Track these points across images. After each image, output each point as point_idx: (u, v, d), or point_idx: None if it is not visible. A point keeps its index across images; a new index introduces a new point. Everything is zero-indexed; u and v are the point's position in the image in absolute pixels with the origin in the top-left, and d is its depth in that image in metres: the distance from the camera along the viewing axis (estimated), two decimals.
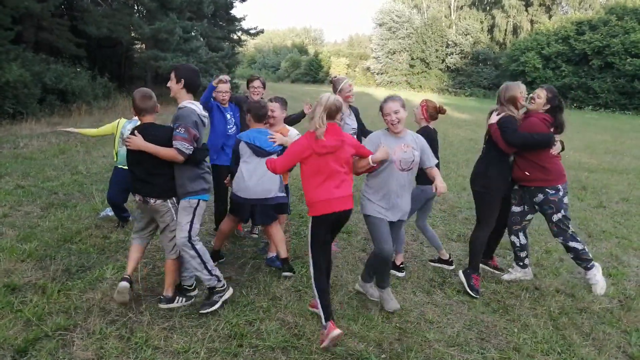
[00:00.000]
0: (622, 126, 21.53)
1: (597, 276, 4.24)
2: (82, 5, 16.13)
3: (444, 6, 54.69)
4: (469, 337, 3.43)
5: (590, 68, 34.77)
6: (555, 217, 4.17)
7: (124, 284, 3.46)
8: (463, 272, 4.24)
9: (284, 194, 4.24)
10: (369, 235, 3.78)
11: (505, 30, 49.75)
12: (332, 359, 3.08)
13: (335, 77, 4.99)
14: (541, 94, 4.16)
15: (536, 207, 4.28)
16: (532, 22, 47.98)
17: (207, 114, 3.63)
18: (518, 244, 4.41)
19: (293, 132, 4.37)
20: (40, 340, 3.07)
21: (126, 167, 4.03)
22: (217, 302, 3.54)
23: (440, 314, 3.75)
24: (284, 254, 4.23)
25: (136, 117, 3.69)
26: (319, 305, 3.25)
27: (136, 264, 3.70)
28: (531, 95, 4.25)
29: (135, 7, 20.10)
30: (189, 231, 3.44)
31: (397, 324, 3.56)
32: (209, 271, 3.51)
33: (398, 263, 4.43)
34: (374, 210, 3.56)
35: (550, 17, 46.62)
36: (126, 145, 3.38)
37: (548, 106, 4.14)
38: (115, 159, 5.17)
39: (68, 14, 17.00)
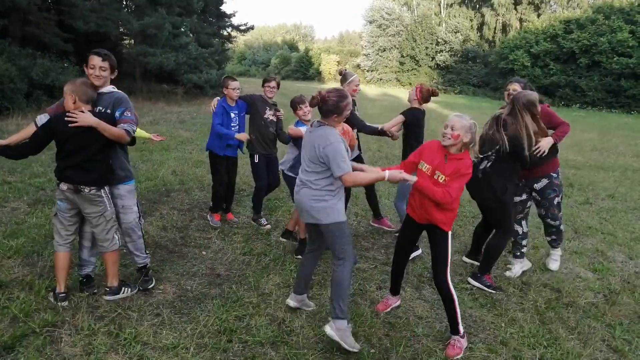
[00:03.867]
0: (609, 124, 21.82)
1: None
2: (70, 0, 15.89)
3: (433, 4, 54.79)
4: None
5: (578, 66, 35.10)
6: (557, 200, 4.34)
7: (65, 303, 3.44)
8: (475, 279, 4.24)
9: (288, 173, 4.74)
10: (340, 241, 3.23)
11: (495, 28, 50.00)
12: (322, 354, 3.10)
13: (345, 70, 5.31)
14: (517, 87, 4.28)
15: (534, 193, 4.39)
16: (521, 20, 48.27)
17: None
18: (521, 232, 4.54)
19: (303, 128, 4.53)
20: (27, 336, 3.05)
21: None
22: (152, 278, 3.84)
23: (429, 309, 3.79)
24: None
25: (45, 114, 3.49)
26: (459, 311, 3.25)
27: (67, 275, 3.57)
28: (506, 91, 4.37)
29: (124, 2, 19.86)
30: (138, 213, 3.65)
31: (386, 319, 3.58)
32: (146, 252, 3.83)
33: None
34: (344, 214, 3.23)
35: (539, 15, 46.94)
36: (72, 124, 3.14)
37: None
38: None
39: (55, 9, 16.75)
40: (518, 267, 4.55)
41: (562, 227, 4.51)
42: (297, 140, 4.58)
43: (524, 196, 4.47)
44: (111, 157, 3.45)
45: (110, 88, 3.49)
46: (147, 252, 3.89)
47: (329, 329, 3.07)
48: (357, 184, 3.20)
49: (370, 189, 5.49)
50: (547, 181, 4.30)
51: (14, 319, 3.22)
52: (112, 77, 3.51)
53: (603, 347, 3.41)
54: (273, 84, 5.30)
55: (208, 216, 5.52)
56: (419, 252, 4.75)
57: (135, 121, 3.43)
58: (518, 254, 4.57)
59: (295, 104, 4.71)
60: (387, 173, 3.09)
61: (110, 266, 3.60)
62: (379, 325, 3.49)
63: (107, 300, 3.56)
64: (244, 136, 5.19)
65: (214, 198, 5.50)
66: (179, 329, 3.26)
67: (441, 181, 3.14)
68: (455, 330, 3.24)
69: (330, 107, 3.11)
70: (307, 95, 4.36)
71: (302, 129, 4.40)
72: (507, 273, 4.54)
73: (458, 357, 3.15)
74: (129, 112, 3.38)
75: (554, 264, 4.62)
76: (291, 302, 3.59)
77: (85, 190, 3.28)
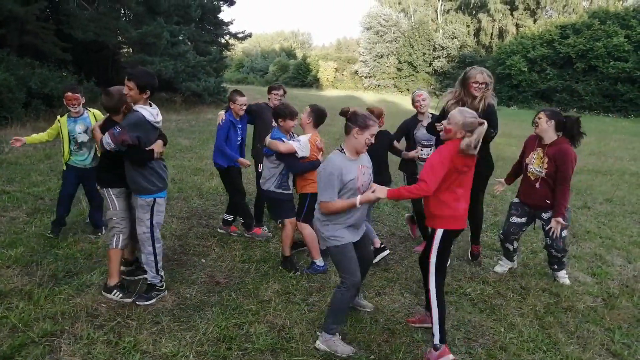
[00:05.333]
0: (606, 128, 21.90)
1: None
2: (68, 9, 15.92)
3: (430, 10, 55.10)
4: (456, 337, 3.47)
5: (575, 71, 35.27)
6: (565, 233, 4.35)
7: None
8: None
9: (276, 190, 4.45)
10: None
11: (491, 34, 50.27)
12: None
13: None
14: (541, 116, 4.28)
15: (542, 222, 4.42)
16: (517, 25, 48.54)
17: (160, 120, 3.62)
18: (511, 249, 4.64)
19: (303, 139, 4.41)
20: (26, 346, 3.04)
21: (79, 165, 4.84)
22: (153, 298, 3.73)
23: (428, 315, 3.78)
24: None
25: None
26: (437, 322, 3.09)
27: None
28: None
29: (122, 11, 19.96)
30: (150, 227, 3.64)
31: (386, 326, 3.58)
32: (157, 270, 3.74)
33: (377, 246, 4.67)
34: (343, 238, 3.15)
35: (535, 21, 47.21)
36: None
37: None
38: (66, 159, 4.90)
39: (53, 18, 16.82)
40: (505, 266, 4.72)
41: (564, 259, 4.50)
42: (281, 157, 4.34)
43: (524, 219, 4.51)
44: (120, 165, 3.61)
45: (137, 107, 3.50)
46: (161, 274, 3.77)
47: (318, 342, 3.21)
48: (330, 211, 3.10)
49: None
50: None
51: (13, 328, 3.21)
52: (144, 96, 3.49)
53: (602, 351, 3.41)
54: (281, 91, 5.33)
55: (252, 234, 5.34)
56: (386, 252, 4.73)
57: (115, 137, 3.36)
58: (509, 259, 4.75)
59: (285, 114, 4.49)
60: (357, 199, 3.04)
61: (108, 263, 3.81)
62: (378, 331, 3.49)
63: (102, 294, 3.75)
64: (246, 163, 5.15)
65: (233, 210, 5.36)
66: (178, 337, 3.26)
67: None
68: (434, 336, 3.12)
69: (359, 118, 3.09)
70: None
71: (294, 144, 4.28)
72: (496, 268, 4.71)
73: None
74: (117, 128, 3.39)
75: (564, 280, 4.51)
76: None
77: (98, 186, 3.75)
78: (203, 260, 4.63)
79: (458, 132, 3.05)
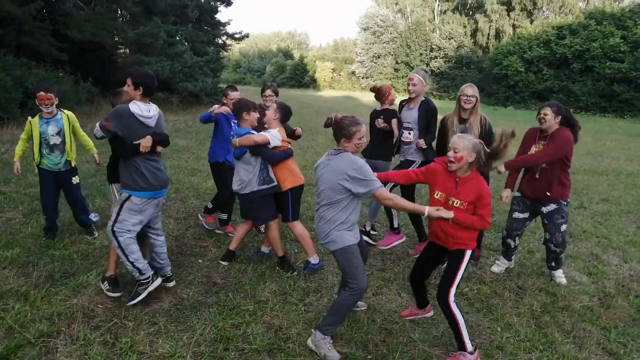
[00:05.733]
0: (603, 128, 21.96)
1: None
2: (65, 9, 15.87)
3: (427, 11, 55.18)
4: (453, 337, 3.46)
5: (571, 72, 35.34)
6: (564, 227, 4.36)
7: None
8: None
9: (262, 187, 4.31)
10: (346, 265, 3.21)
11: (488, 34, 50.35)
12: None
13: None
14: (547, 112, 4.26)
15: (542, 216, 4.44)
16: (514, 26, 48.64)
17: (151, 116, 3.62)
18: (513, 246, 4.65)
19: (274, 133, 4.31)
20: (22, 347, 3.04)
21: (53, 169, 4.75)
22: (141, 294, 3.67)
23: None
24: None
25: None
26: (466, 328, 3.12)
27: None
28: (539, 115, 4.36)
29: (119, 11, 19.92)
30: (114, 221, 3.61)
31: (383, 326, 3.59)
32: (131, 263, 3.64)
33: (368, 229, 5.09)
34: (350, 238, 3.17)
35: (531, 21, 47.31)
36: None
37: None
38: (37, 161, 4.80)
39: (50, 18, 16.76)
40: (502, 266, 4.75)
41: (562, 255, 4.49)
42: (256, 151, 4.21)
43: (526, 214, 4.52)
44: (117, 159, 3.80)
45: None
46: (137, 266, 3.65)
47: (308, 340, 3.24)
48: (395, 204, 3.15)
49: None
50: (556, 206, 4.33)
51: (9, 329, 3.21)
52: (139, 93, 3.59)
53: (598, 350, 3.42)
54: (268, 92, 5.28)
55: (200, 216, 5.56)
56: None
57: (103, 124, 3.52)
58: (508, 259, 4.76)
59: (248, 106, 4.34)
60: (426, 209, 3.06)
61: (109, 255, 3.92)
62: (375, 331, 3.50)
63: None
64: (224, 109, 5.00)
65: (220, 203, 5.37)
66: (175, 337, 3.26)
67: (457, 206, 3.11)
68: (462, 348, 3.15)
69: (342, 129, 3.11)
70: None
71: (267, 135, 4.18)
72: (494, 268, 4.73)
73: None
74: (105, 117, 3.57)
75: (561, 280, 4.52)
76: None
77: (107, 181, 4.15)
78: (200, 261, 4.62)
79: (469, 156, 3.07)
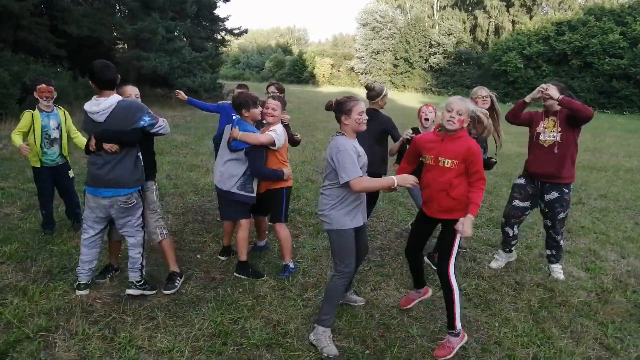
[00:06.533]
0: (601, 125, 21.97)
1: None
2: (62, 5, 15.79)
3: (426, 6, 55.06)
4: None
5: (570, 68, 35.38)
6: (562, 215, 4.37)
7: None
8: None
9: (238, 192, 4.06)
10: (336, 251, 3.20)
11: (487, 30, 50.32)
12: (317, 356, 3.10)
13: (373, 83, 5.09)
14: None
15: (542, 204, 4.44)
16: (513, 22, 48.61)
17: (97, 111, 3.40)
18: (511, 234, 4.64)
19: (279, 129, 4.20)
20: (21, 342, 3.04)
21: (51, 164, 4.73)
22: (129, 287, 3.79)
23: (424, 310, 3.80)
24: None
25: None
26: (459, 307, 3.19)
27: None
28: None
29: (117, 7, 19.83)
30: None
31: (381, 321, 3.60)
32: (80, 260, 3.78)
33: None
34: (347, 222, 3.15)
35: (531, 17, 47.29)
36: None
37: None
38: (39, 155, 4.70)
39: (48, 13, 16.70)
40: (502, 260, 4.75)
41: (562, 242, 4.53)
42: (252, 153, 4.00)
43: (527, 203, 4.51)
44: (146, 159, 3.82)
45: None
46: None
47: (311, 335, 3.24)
48: (364, 188, 3.05)
49: None
50: (558, 195, 4.32)
51: (8, 324, 3.21)
52: (96, 87, 3.50)
53: (595, 345, 3.43)
54: (272, 88, 5.29)
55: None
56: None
57: None
58: (507, 250, 4.75)
59: (248, 103, 4.12)
60: (395, 179, 3.04)
61: (164, 256, 4.02)
62: (373, 326, 3.51)
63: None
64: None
65: None
66: (173, 332, 3.26)
67: (448, 166, 3.12)
68: (451, 326, 3.21)
69: (341, 106, 3.14)
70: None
71: (273, 135, 4.02)
72: (492, 264, 4.73)
73: (448, 357, 3.15)
74: None
75: (559, 275, 4.54)
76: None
77: None
78: (199, 256, 4.63)
79: (466, 121, 3.14)
